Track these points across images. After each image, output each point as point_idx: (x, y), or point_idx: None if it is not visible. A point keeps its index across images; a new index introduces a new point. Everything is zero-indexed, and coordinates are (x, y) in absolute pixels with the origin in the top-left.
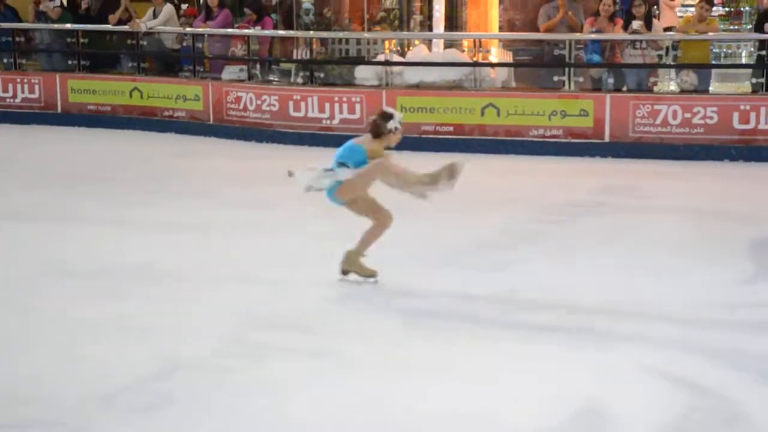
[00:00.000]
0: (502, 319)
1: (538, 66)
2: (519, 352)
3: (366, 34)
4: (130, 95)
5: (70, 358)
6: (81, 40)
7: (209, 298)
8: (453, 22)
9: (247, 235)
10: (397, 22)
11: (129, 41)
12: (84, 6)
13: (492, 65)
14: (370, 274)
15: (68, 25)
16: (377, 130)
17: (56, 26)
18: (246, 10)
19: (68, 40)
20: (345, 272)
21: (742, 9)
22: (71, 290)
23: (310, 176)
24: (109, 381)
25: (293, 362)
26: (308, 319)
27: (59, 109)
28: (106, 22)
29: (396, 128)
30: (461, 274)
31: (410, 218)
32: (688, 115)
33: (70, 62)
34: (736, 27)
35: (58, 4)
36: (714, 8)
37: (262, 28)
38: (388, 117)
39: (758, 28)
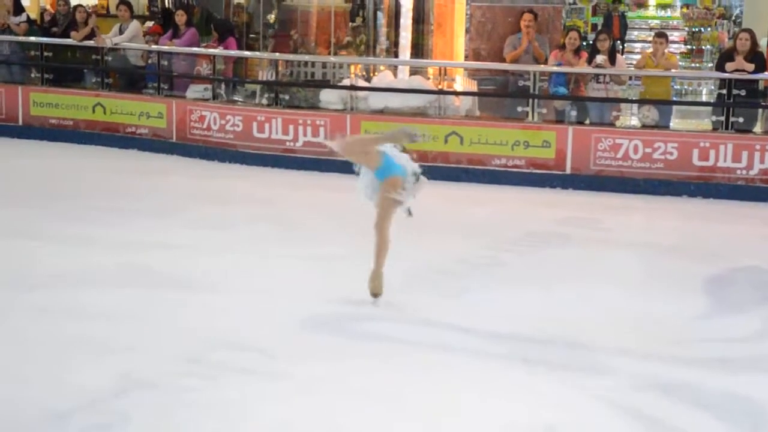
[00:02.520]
0: (458, 348)
1: (502, 96)
2: (474, 380)
3: (332, 58)
4: (93, 110)
5: (24, 376)
6: (45, 53)
7: (169, 317)
8: (419, 49)
9: (208, 254)
10: (363, 47)
11: (94, 56)
12: (47, 19)
13: (456, 93)
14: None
15: (32, 38)
16: None
17: (20, 38)
18: (214, 33)
19: (32, 53)
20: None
21: (703, 47)
22: (26, 307)
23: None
24: (64, 399)
25: (251, 384)
26: (268, 340)
27: (20, 122)
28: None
29: None
30: (419, 301)
31: (369, 245)
32: (648, 150)
33: (33, 75)
34: (697, 65)
35: (24, 19)
36: (675, 46)
37: (226, 48)
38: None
39: (719, 66)
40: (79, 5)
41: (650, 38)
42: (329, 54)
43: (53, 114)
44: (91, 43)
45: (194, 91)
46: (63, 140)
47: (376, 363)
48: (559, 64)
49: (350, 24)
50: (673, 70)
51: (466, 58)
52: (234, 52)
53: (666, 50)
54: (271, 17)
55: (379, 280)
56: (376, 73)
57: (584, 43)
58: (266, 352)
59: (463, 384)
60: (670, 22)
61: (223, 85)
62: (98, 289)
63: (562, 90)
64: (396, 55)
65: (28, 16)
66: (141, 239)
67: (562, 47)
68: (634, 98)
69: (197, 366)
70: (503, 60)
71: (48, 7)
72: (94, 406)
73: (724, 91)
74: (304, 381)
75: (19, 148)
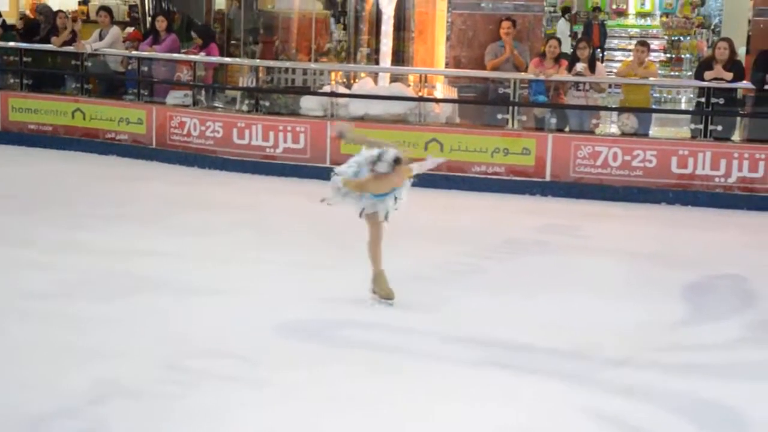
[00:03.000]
0: (438, 355)
1: (482, 103)
2: (455, 387)
3: (312, 65)
4: (73, 116)
5: (4, 381)
6: (24, 59)
7: (149, 323)
8: (400, 56)
9: (188, 260)
10: (344, 54)
11: (73, 62)
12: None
13: (437, 101)
14: (387, 296)
15: (11, 43)
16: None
17: None
18: (193, 34)
19: (11, 57)
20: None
21: (682, 56)
22: (6, 313)
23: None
24: (43, 405)
25: (232, 391)
26: (248, 347)
27: None
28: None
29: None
30: (399, 308)
31: (349, 251)
32: (628, 158)
33: (11, 80)
34: (676, 73)
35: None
36: (655, 54)
37: (208, 54)
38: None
39: (698, 75)
40: (60, 11)
41: (630, 46)
42: (310, 61)
43: (32, 119)
44: (70, 48)
45: (174, 97)
46: (42, 146)
47: (357, 370)
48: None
49: (331, 30)
50: (652, 79)
51: (447, 65)
52: (214, 59)
53: (647, 59)
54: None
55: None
56: (356, 80)
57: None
58: (247, 358)
59: (444, 391)
60: (650, 31)
61: (203, 92)
62: (78, 295)
63: (542, 98)
64: (377, 62)
65: (3, 21)
66: (121, 246)
67: (542, 55)
68: (613, 106)
69: (178, 372)
70: (484, 67)
71: (27, 12)
72: (73, 412)
73: (703, 100)
74: (285, 388)
75: None
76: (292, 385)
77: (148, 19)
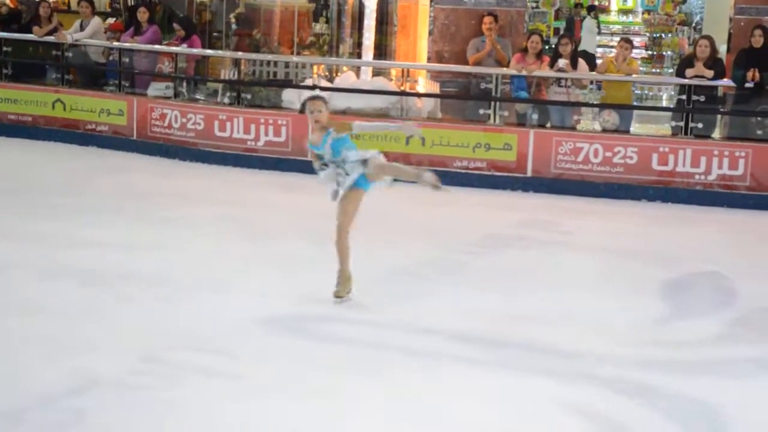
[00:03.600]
0: (419, 350)
1: (464, 98)
2: (435, 383)
3: (294, 58)
4: (53, 107)
5: None
6: (4, 48)
7: (128, 315)
8: (382, 50)
9: (167, 252)
10: (326, 48)
11: (54, 52)
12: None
13: (419, 95)
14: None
15: None
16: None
17: None
18: (175, 25)
19: None
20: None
21: (664, 53)
22: None
23: (330, 184)
24: (18, 397)
25: (210, 385)
26: (228, 341)
27: None
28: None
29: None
30: (380, 303)
31: (331, 248)
32: (609, 154)
33: None
34: (658, 70)
35: None
36: (636, 51)
37: (190, 46)
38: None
39: (679, 72)
40: (44, 0)
41: (612, 43)
42: (292, 54)
43: (12, 110)
44: (51, 38)
45: (155, 88)
46: (22, 136)
47: (337, 365)
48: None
49: (313, 24)
50: (633, 76)
51: (429, 59)
52: (196, 51)
53: (629, 55)
54: (234, 15)
55: (348, 280)
56: (339, 74)
57: (546, 47)
58: (226, 352)
59: (424, 386)
60: (632, 28)
61: (184, 84)
62: (55, 286)
63: (524, 94)
64: (359, 56)
65: None
66: (100, 237)
67: (525, 51)
68: (595, 102)
69: (157, 365)
70: (466, 62)
71: (7, 1)
72: (51, 404)
73: (684, 97)
74: (265, 382)
75: None
76: (272, 380)
77: (132, 6)
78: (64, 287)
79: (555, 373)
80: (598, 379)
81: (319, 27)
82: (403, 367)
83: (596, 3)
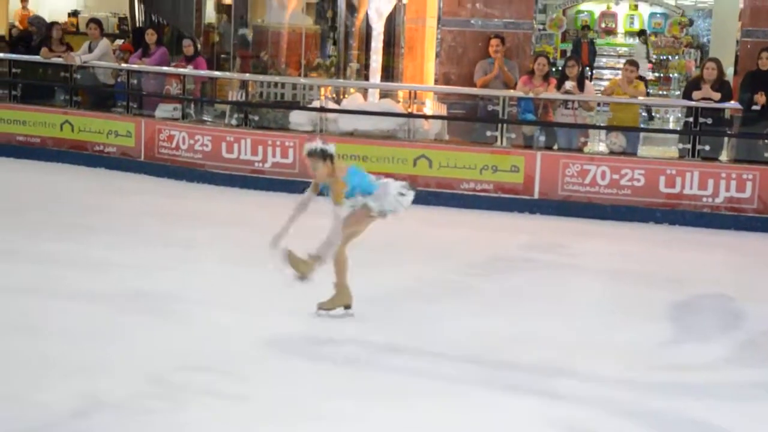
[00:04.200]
0: (424, 372)
1: (471, 120)
2: (440, 405)
3: (302, 80)
4: (61, 128)
5: None
6: (13, 70)
7: (132, 337)
8: (389, 72)
9: (174, 274)
10: (333, 70)
11: (62, 74)
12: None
13: (426, 117)
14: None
15: (0, 54)
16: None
17: None
18: (185, 41)
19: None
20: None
21: (671, 75)
22: None
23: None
24: (23, 419)
25: (215, 407)
26: (232, 362)
27: None
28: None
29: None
30: (385, 324)
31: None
32: (616, 177)
33: (0, 91)
34: (665, 92)
35: None
36: (643, 73)
37: (195, 67)
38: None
39: (686, 95)
40: (56, 22)
41: (618, 65)
42: (299, 75)
43: (20, 131)
44: (60, 60)
45: (163, 110)
46: (30, 158)
47: (341, 386)
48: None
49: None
50: (640, 98)
51: (436, 81)
52: (204, 72)
53: (635, 78)
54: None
55: (346, 291)
56: (346, 96)
57: (553, 69)
58: (230, 373)
59: (428, 408)
60: None
61: (192, 105)
62: (61, 306)
63: (530, 116)
64: (366, 78)
65: None
66: (107, 258)
67: (531, 73)
68: (602, 124)
69: (161, 386)
70: (473, 84)
71: (17, 23)
72: (55, 426)
73: (691, 119)
74: (272, 404)
75: None
76: (280, 402)
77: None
78: (70, 307)
79: (562, 395)
80: (606, 402)
81: (327, 49)
82: (410, 390)
83: (602, 25)
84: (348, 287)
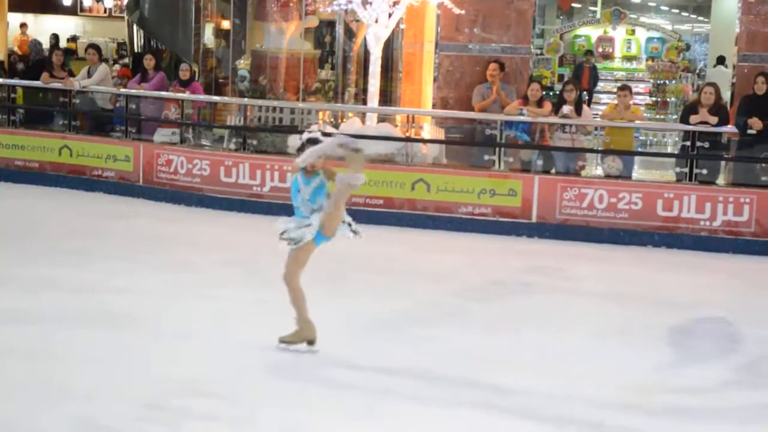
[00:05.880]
0: (423, 396)
1: (469, 144)
2: (437, 428)
3: (300, 104)
4: (60, 153)
5: None
6: (11, 95)
7: (130, 361)
8: (387, 96)
9: (172, 298)
10: (331, 94)
11: (61, 98)
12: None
13: (424, 141)
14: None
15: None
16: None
17: None
18: (182, 65)
19: None
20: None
21: (668, 99)
22: None
23: (294, 233)
24: None
25: (212, 430)
26: (230, 386)
27: None
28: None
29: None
30: (384, 348)
31: (336, 290)
32: (613, 200)
33: None
34: (662, 117)
35: None
36: (640, 97)
37: (192, 92)
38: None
39: (684, 119)
40: (57, 48)
41: (616, 90)
42: (298, 100)
43: (19, 156)
44: (58, 85)
45: (162, 134)
46: (28, 182)
47: (338, 409)
48: (522, 113)
49: (319, 71)
50: (637, 122)
51: (434, 106)
52: (203, 97)
53: (630, 102)
54: (240, 63)
55: (309, 325)
56: (344, 120)
57: (551, 93)
58: (229, 397)
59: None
60: (636, 74)
61: (190, 129)
62: (58, 331)
63: (525, 137)
64: (364, 102)
65: None
66: (105, 282)
67: (526, 98)
68: (599, 148)
69: (158, 411)
70: (471, 108)
71: (16, 48)
72: None
73: (688, 143)
74: (267, 427)
75: None
76: (275, 425)
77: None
78: (67, 332)
79: (557, 418)
80: (601, 425)
81: (325, 73)
82: (407, 413)
83: (600, 49)
84: (310, 321)
